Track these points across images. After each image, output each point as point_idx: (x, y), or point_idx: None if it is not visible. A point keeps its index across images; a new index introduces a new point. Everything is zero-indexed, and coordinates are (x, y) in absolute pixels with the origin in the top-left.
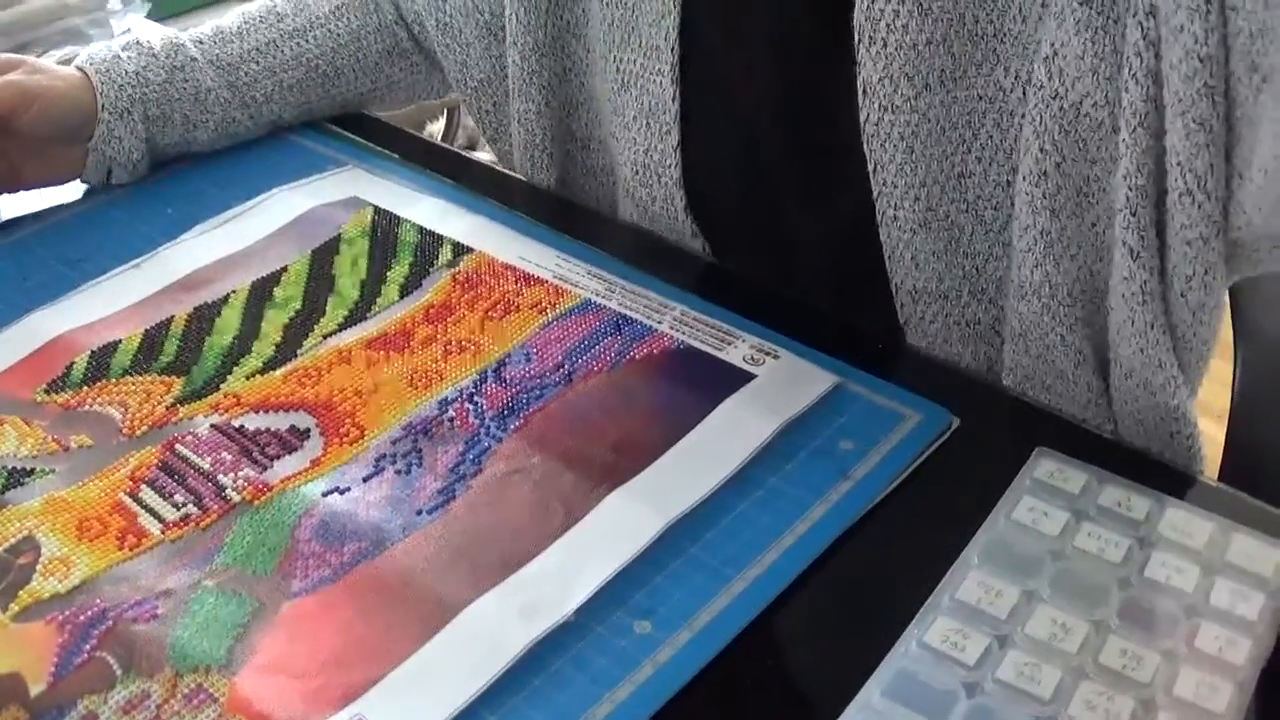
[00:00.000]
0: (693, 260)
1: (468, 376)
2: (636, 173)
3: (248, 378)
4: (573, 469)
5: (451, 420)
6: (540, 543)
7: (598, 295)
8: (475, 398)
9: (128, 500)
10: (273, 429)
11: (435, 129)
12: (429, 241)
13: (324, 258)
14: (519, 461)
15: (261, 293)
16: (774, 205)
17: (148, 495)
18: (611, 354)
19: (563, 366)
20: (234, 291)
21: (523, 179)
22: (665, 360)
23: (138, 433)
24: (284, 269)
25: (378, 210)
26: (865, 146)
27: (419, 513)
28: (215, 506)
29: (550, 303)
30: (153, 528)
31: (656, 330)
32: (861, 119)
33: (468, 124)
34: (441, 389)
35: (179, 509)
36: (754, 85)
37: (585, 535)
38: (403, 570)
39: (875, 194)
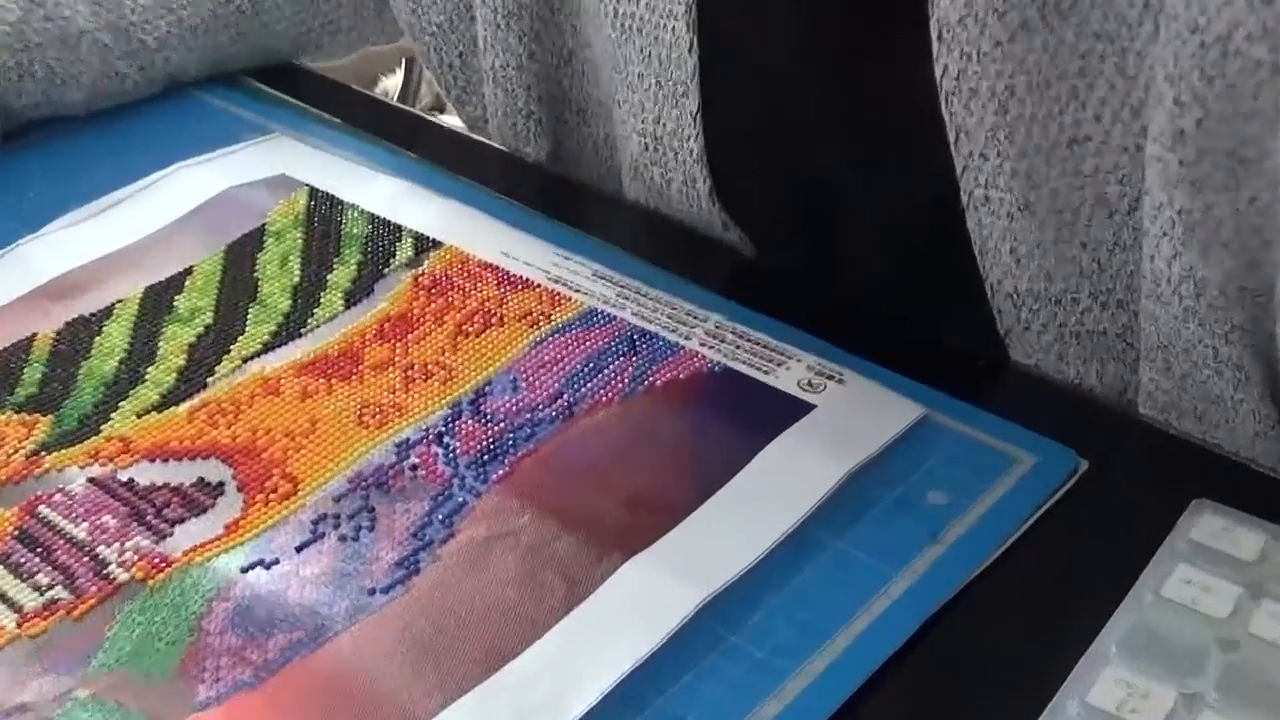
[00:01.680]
0: (729, 256)
1: (436, 411)
2: (646, 147)
3: (139, 415)
4: (575, 531)
5: (414, 469)
6: (532, 630)
7: (606, 303)
8: (446, 439)
9: None
10: (174, 484)
11: (390, 85)
12: (383, 233)
13: (243, 256)
14: (504, 522)
15: (158, 303)
16: (826, 187)
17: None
18: (625, 379)
19: (561, 396)
20: (121, 301)
21: (505, 151)
22: (696, 387)
23: None
24: (188, 271)
25: (314, 193)
26: (943, 108)
27: (371, 592)
28: (93, 589)
29: (544, 313)
30: (4, 620)
31: (684, 348)
32: (937, 72)
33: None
34: (400, 428)
35: (42, 593)
36: (793, 33)
37: (592, 619)
38: (350, 670)
39: (959, 169)
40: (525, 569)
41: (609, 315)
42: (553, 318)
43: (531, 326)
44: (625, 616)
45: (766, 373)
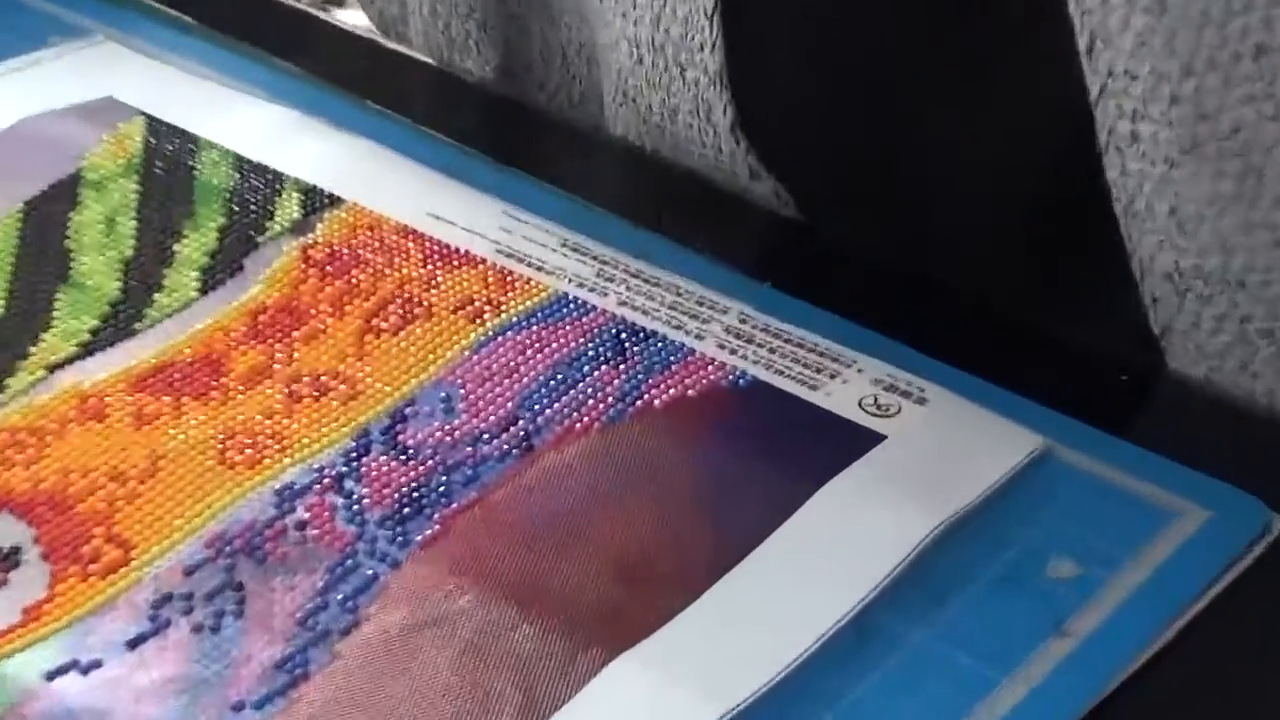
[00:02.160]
0: (760, 220)
1: (334, 443)
2: (640, 59)
3: None
4: (538, 617)
5: (302, 528)
6: None
7: (581, 286)
8: (348, 484)
9: None
10: None
11: None
12: (256, 185)
13: (47, 218)
14: (433, 605)
15: None
16: (901, 122)
17: None
18: (609, 397)
19: (516, 422)
20: None
21: (434, 65)
22: (712, 408)
23: None
24: None
25: (154, 125)
26: (1071, 6)
27: (239, 708)
28: None
29: (491, 301)
30: None
31: (695, 352)
32: None
33: None
34: (282, 468)
35: None
36: None
37: None
38: None
39: (1093, 93)
40: (465, 673)
41: (585, 304)
42: (504, 308)
43: (473, 320)
44: None
45: (814, 387)
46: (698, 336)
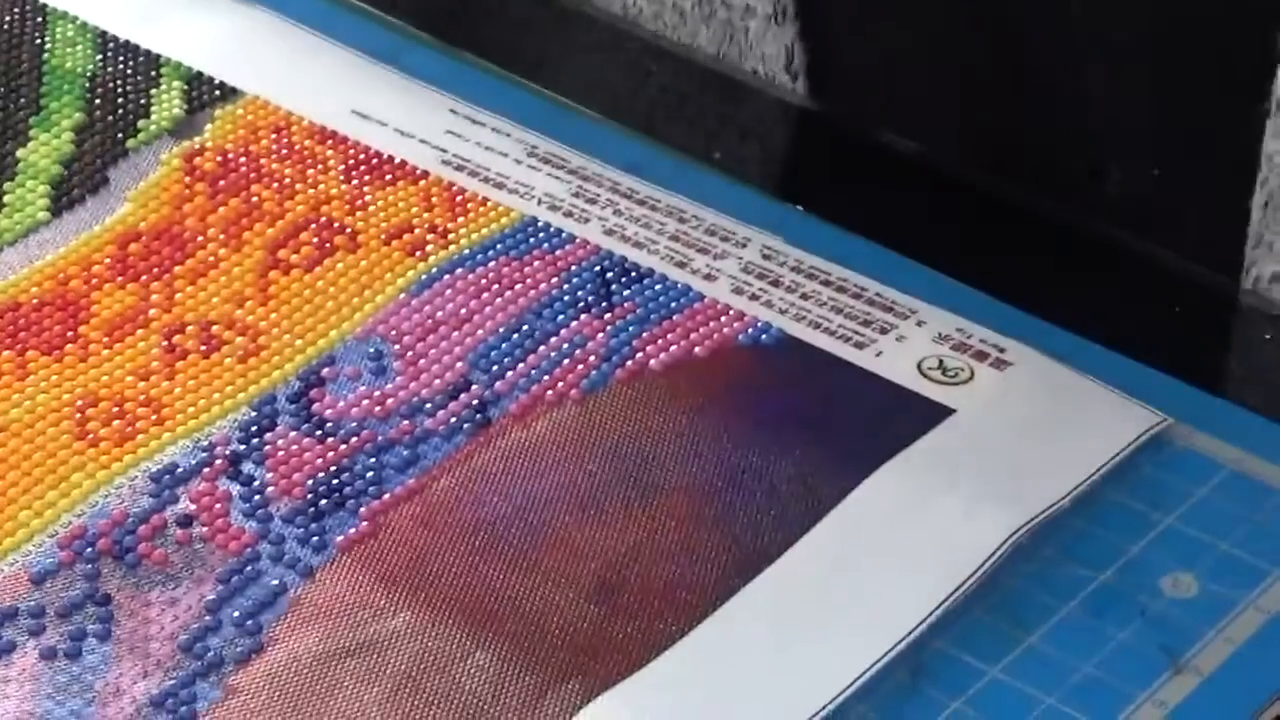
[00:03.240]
0: (782, 119)
1: (228, 412)
2: None
3: None
4: (495, 642)
5: (187, 523)
6: None
7: (554, 208)
8: (246, 465)
9: None
10: None
11: None
12: (126, 70)
13: None
14: (357, 626)
15: None
16: None
17: None
18: (592, 355)
19: (469, 386)
20: None
21: None
22: (726, 371)
23: None
24: None
25: None
26: None
27: None
28: None
29: (435, 228)
30: None
31: (703, 298)
32: None
33: None
34: (160, 445)
35: None
36: None
37: None
38: None
39: None
40: (399, 715)
41: (559, 233)
42: (453, 237)
43: (411, 253)
44: None
45: (860, 345)
46: (707, 277)
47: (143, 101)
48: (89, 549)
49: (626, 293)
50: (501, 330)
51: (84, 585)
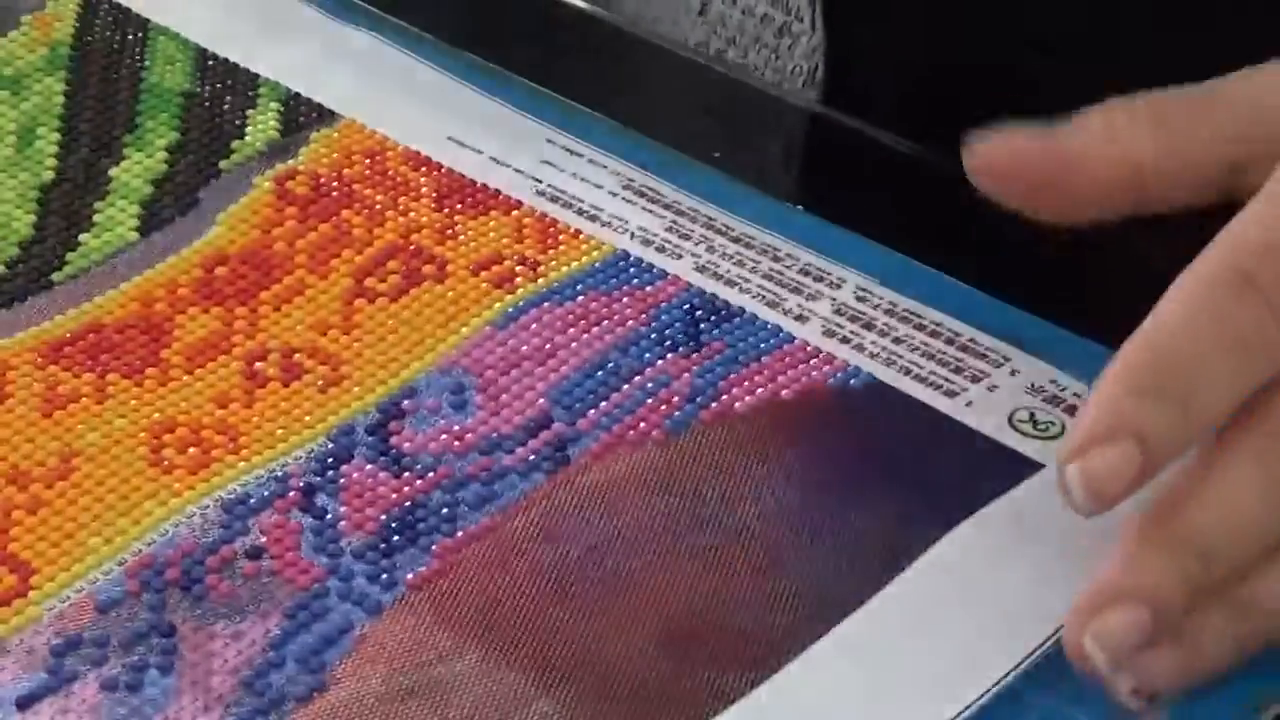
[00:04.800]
0: (879, 160)
1: (305, 442)
2: None
3: None
4: (563, 686)
5: (256, 555)
6: None
7: (647, 243)
8: (320, 497)
9: None
10: None
11: None
12: (223, 91)
13: None
14: (423, 666)
15: None
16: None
17: None
18: (676, 395)
19: (549, 424)
20: None
21: None
22: (813, 415)
23: None
24: None
25: (92, 1)
26: None
27: None
28: None
29: (527, 258)
30: None
31: (793, 340)
32: None
33: None
34: (234, 474)
35: None
36: None
37: None
38: None
39: None
40: None
41: (651, 268)
42: (543, 269)
43: (499, 285)
44: None
45: (951, 393)
46: (799, 318)
47: (238, 122)
48: (157, 578)
49: (715, 332)
50: (586, 366)
51: (149, 616)
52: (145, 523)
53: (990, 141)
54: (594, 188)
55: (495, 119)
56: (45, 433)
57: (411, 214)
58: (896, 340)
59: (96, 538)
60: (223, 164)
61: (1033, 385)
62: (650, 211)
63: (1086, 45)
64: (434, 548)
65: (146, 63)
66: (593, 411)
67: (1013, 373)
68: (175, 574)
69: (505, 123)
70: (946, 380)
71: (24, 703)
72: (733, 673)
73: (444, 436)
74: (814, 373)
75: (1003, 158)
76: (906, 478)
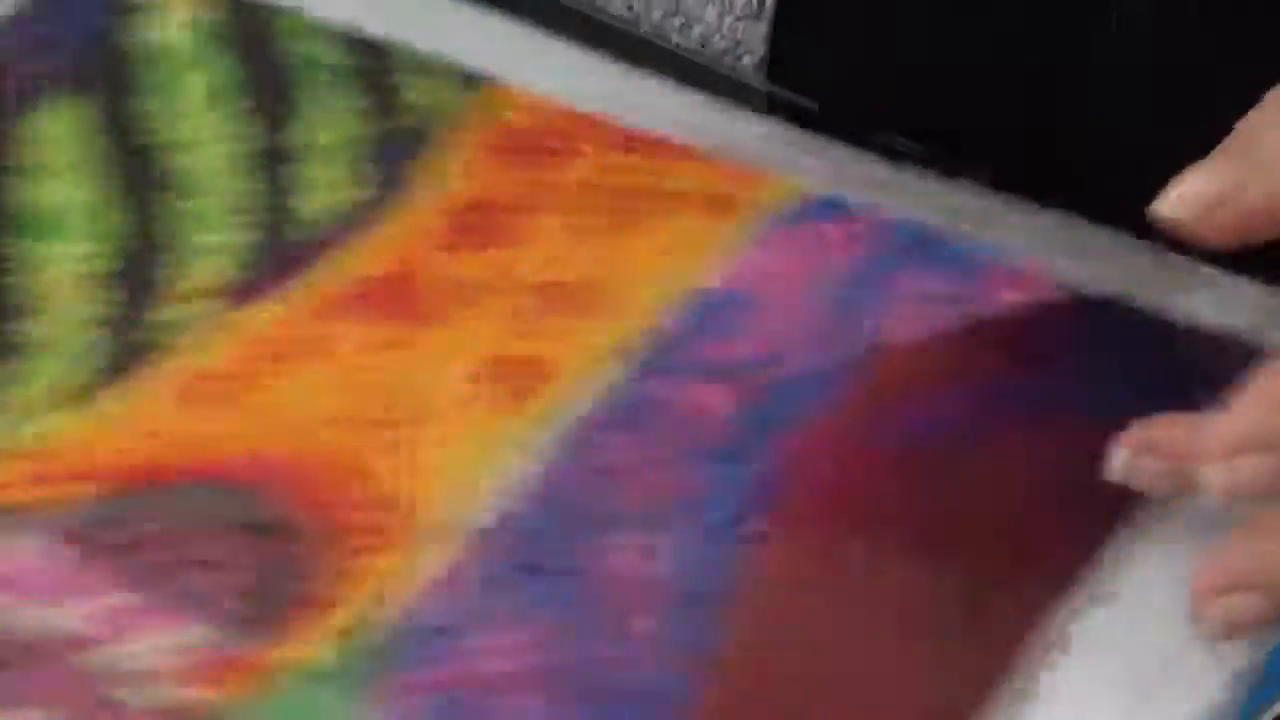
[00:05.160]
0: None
1: (609, 365)
2: None
3: (53, 410)
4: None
5: (615, 472)
6: None
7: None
8: (642, 415)
9: None
10: (183, 530)
11: None
12: (383, 61)
13: (108, 103)
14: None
15: None
16: None
17: None
18: (938, 298)
19: (831, 328)
20: None
21: None
22: (1047, 325)
23: None
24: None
25: None
26: None
27: (630, 698)
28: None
29: (734, 196)
30: None
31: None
32: None
33: None
34: (567, 400)
35: None
36: None
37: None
38: None
39: None
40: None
41: (848, 205)
42: (754, 201)
43: (723, 215)
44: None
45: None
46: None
47: (406, 88)
48: (540, 501)
49: (948, 249)
50: (841, 280)
51: (547, 537)
52: (509, 454)
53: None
54: (764, 141)
55: (649, 88)
56: (373, 381)
57: (610, 158)
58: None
59: (469, 471)
60: (412, 123)
61: None
62: (820, 166)
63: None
64: (778, 447)
65: (293, 39)
66: (869, 319)
67: None
68: (556, 495)
69: (657, 88)
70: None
71: (476, 623)
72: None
73: (738, 346)
74: (1035, 285)
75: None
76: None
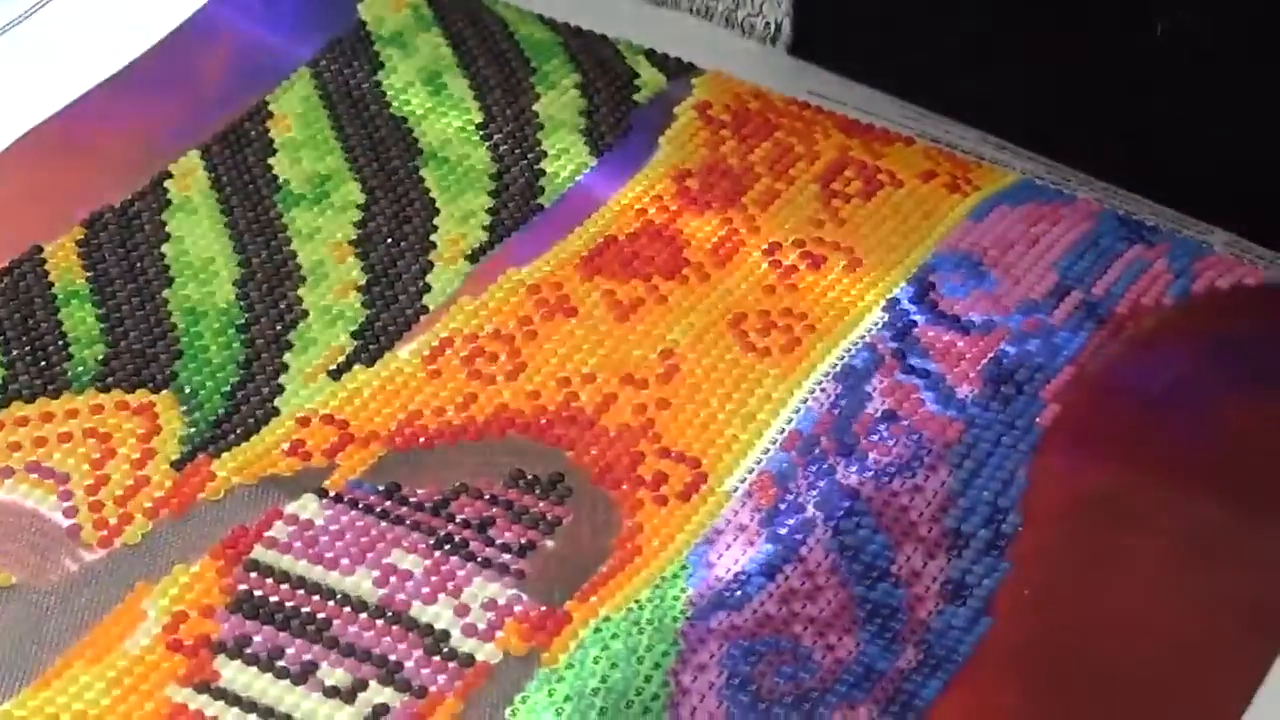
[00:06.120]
0: None
1: (864, 314)
2: None
3: (328, 375)
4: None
5: (892, 416)
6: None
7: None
8: (911, 359)
9: (195, 701)
10: (476, 487)
11: None
12: (592, 43)
13: (347, 79)
14: (1099, 487)
15: (242, 171)
16: None
17: (242, 678)
18: (1161, 275)
19: (1067, 289)
20: (169, 177)
21: None
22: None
23: (127, 537)
24: (262, 111)
25: None
26: None
27: (926, 631)
28: (440, 680)
29: (956, 175)
30: None
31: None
32: None
33: None
34: (826, 348)
35: (345, 698)
36: None
37: None
38: None
39: None
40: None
41: (1061, 191)
42: (975, 182)
43: (952, 190)
44: None
45: None
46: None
47: (625, 67)
48: (814, 450)
49: (1154, 236)
50: (1069, 251)
51: (826, 483)
52: (776, 401)
53: None
54: (961, 140)
55: (841, 84)
56: (628, 338)
57: (833, 138)
58: None
59: (736, 420)
60: (636, 97)
61: None
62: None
63: None
64: (1041, 394)
65: (506, 19)
66: (1098, 284)
67: None
68: (830, 443)
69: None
70: None
71: (770, 570)
72: None
73: (983, 302)
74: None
75: None
76: None
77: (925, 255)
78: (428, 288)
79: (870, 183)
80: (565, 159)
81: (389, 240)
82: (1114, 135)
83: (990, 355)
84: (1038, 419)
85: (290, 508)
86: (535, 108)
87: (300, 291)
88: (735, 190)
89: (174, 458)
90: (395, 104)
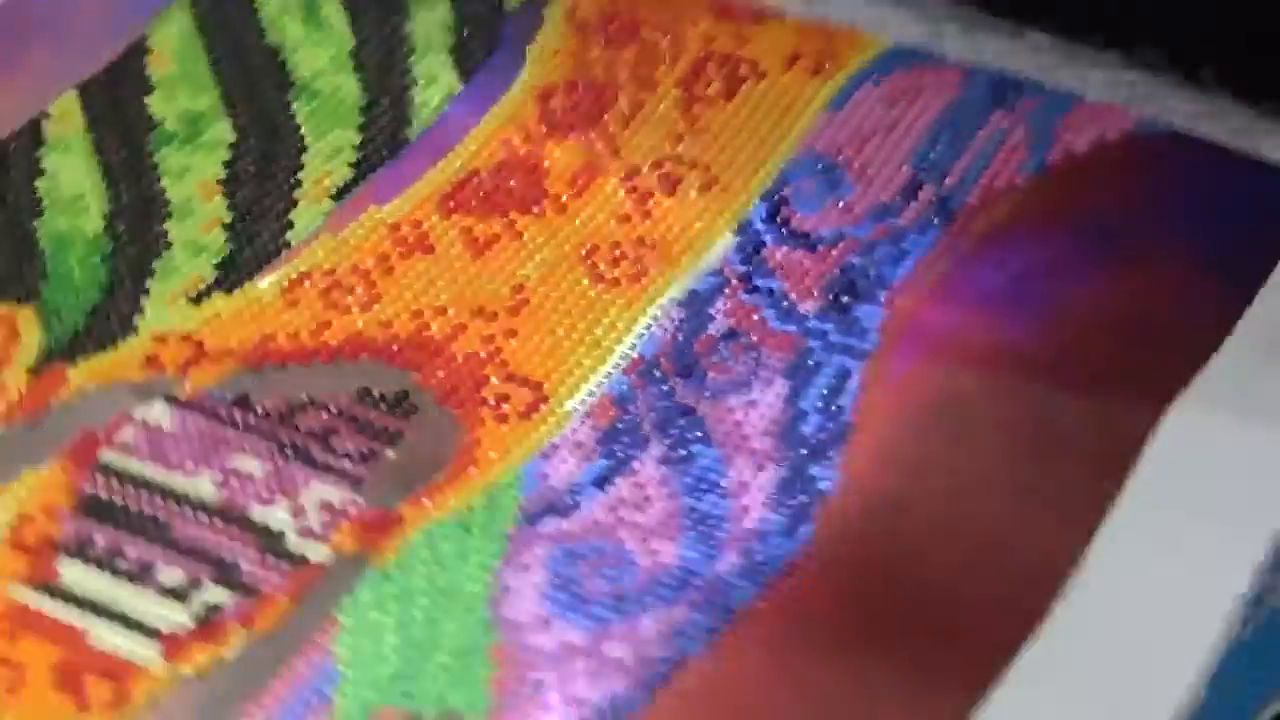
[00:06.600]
0: None
1: (714, 240)
2: None
3: (189, 301)
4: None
5: (733, 335)
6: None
7: (913, 40)
8: (756, 280)
9: (35, 600)
10: (320, 400)
11: None
12: None
13: (220, 6)
14: (935, 392)
15: (120, 110)
16: None
17: (80, 577)
18: (1020, 145)
19: (919, 185)
20: (46, 116)
21: None
22: (1146, 153)
23: None
24: (140, 47)
25: None
26: None
27: (760, 537)
28: (273, 579)
29: (823, 51)
30: (142, 652)
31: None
32: None
33: None
34: (672, 276)
35: (181, 599)
36: None
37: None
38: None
39: None
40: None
41: (934, 54)
42: (841, 58)
43: (814, 74)
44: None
45: None
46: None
47: None
48: (655, 372)
49: (1021, 95)
50: (927, 133)
51: (665, 403)
52: (620, 329)
53: None
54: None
55: None
56: (482, 274)
57: (700, 26)
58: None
59: (581, 348)
60: (505, 6)
61: None
62: (913, 17)
63: None
64: (882, 298)
65: None
66: (954, 170)
67: None
68: (670, 365)
69: None
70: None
71: (600, 482)
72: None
73: (834, 213)
74: (1122, 121)
75: None
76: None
77: (780, 164)
78: (290, 225)
79: (731, 79)
80: (434, 87)
81: (256, 179)
82: None
83: (837, 269)
84: (873, 327)
85: (139, 412)
86: (406, 28)
87: (166, 225)
88: (598, 107)
89: (29, 365)
90: (270, 34)
